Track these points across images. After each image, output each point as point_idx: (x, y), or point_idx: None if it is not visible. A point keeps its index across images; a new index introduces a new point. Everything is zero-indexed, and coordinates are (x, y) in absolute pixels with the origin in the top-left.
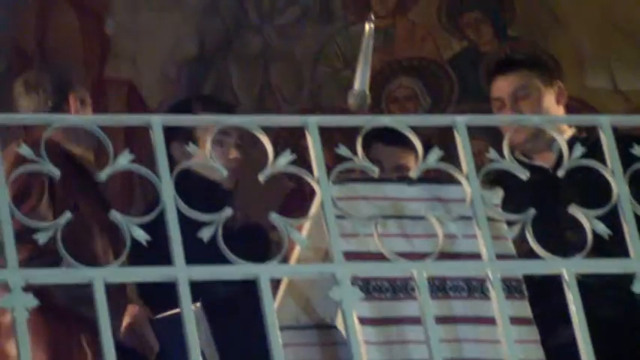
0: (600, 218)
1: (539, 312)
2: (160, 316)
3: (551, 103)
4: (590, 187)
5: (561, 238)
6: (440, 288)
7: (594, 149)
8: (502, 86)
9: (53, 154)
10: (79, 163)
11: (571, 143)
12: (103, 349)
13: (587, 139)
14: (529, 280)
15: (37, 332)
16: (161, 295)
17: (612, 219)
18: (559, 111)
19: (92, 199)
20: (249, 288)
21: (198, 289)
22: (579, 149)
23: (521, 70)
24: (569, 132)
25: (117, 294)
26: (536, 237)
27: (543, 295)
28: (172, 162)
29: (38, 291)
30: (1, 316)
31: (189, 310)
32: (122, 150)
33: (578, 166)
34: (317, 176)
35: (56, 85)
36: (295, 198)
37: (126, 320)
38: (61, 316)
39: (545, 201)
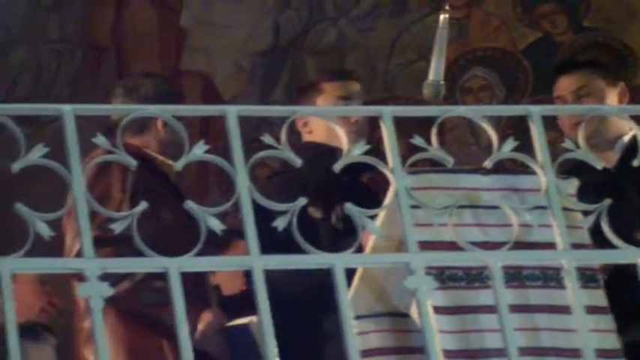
0: None
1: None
2: (231, 323)
3: (614, 102)
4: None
5: (629, 239)
6: (515, 277)
7: None
8: (565, 85)
9: (131, 153)
10: (157, 164)
11: (631, 144)
12: (178, 339)
13: None
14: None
15: (118, 337)
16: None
17: None
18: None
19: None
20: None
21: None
22: None
23: (584, 70)
24: (631, 133)
25: (196, 299)
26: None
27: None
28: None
29: (119, 298)
30: (82, 321)
31: (265, 300)
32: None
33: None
34: (391, 166)
35: (154, 93)
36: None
37: (200, 326)
38: (142, 322)
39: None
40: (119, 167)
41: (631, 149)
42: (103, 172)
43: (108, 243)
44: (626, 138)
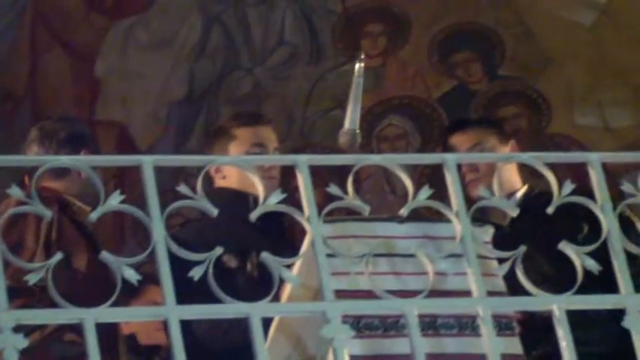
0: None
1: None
2: None
3: None
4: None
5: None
6: (431, 325)
7: (545, 204)
8: (459, 142)
9: (48, 200)
10: (74, 211)
11: (525, 200)
12: None
13: (541, 193)
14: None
15: None
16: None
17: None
18: (512, 168)
19: (85, 246)
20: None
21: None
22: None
23: (478, 128)
24: (524, 189)
25: (105, 351)
26: None
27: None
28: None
29: (29, 350)
30: None
31: (181, 350)
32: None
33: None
34: (307, 215)
35: (70, 137)
36: None
37: None
38: None
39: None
40: (34, 216)
41: (524, 205)
42: (16, 221)
43: (21, 293)
44: (519, 194)
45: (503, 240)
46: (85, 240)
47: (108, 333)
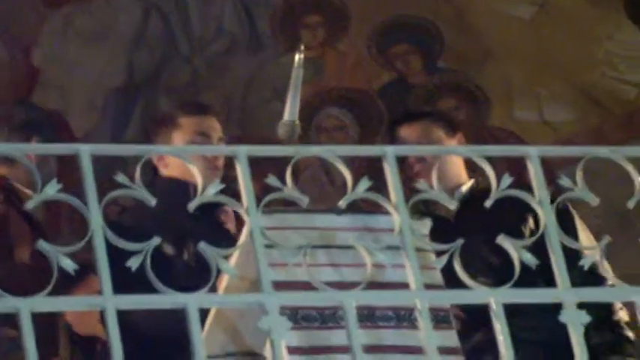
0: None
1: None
2: None
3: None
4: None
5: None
6: (368, 317)
7: (485, 198)
8: (406, 135)
9: None
10: (20, 198)
11: (469, 194)
12: None
13: (486, 189)
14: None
15: None
16: None
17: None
18: (458, 161)
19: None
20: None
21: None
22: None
23: (423, 121)
24: (470, 182)
25: (45, 344)
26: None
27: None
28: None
29: None
30: None
31: (117, 339)
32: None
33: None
34: (246, 206)
35: (24, 123)
36: None
37: None
38: None
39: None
40: None
41: (469, 198)
42: None
43: None
44: (464, 188)
45: (448, 232)
46: (30, 230)
47: (47, 324)
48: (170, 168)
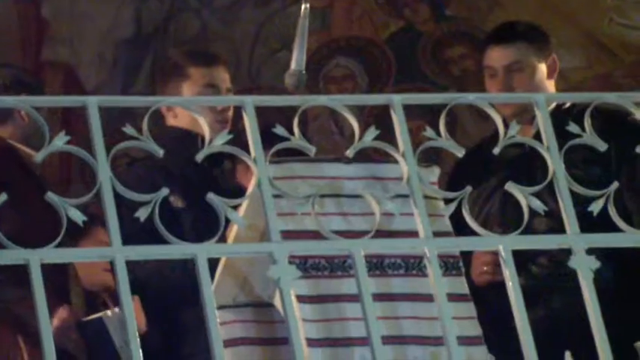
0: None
1: None
2: (86, 318)
3: (543, 77)
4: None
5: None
6: (377, 265)
7: (579, 117)
8: (497, 57)
9: None
10: (20, 156)
11: (555, 114)
12: (41, 334)
13: (572, 108)
14: None
15: None
16: None
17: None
18: (550, 85)
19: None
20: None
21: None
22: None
23: (518, 43)
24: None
25: (53, 292)
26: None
27: None
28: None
29: None
30: None
31: (127, 291)
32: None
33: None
34: (254, 156)
35: (13, 84)
36: None
37: (55, 322)
38: None
39: (520, 176)
40: None
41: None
42: None
43: None
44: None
45: (519, 158)
46: (31, 182)
47: (56, 276)
48: (179, 119)
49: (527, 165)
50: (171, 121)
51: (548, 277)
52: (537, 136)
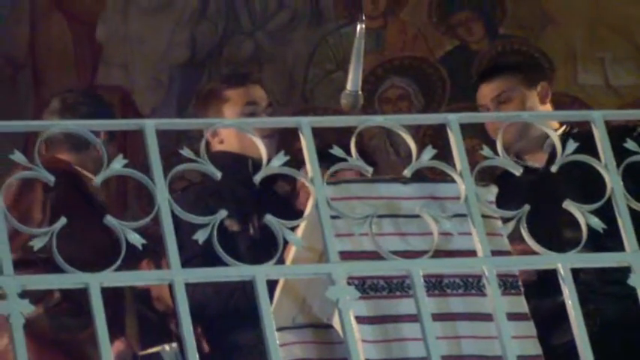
0: (598, 213)
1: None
2: (143, 352)
3: (535, 103)
4: (587, 183)
5: (559, 237)
6: (436, 285)
7: (588, 143)
8: (485, 93)
9: (55, 169)
10: (83, 182)
11: (564, 139)
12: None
13: (580, 133)
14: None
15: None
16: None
17: (608, 213)
18: (546, 109)
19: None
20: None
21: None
22: (572, 145)
23: (503, 76)
24: (561, 129)
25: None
26: (534, 236)
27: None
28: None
29: (32, 321)
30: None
31: (187, 313)
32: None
33: (573, 163)
34: (311, 176)
35: (91, 113)
36: None
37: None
38: (55, 346)
39: (540, 200)
40: (41, 187)
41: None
42: (24, 191)
43: (30, 265)
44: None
45: (537, 184)
46: (94, 209)
47: (114, 301)
48: (226, 143)
49: (546, 189)
50: (217, 146)
51: (594, 282)
52: (550, 161)
